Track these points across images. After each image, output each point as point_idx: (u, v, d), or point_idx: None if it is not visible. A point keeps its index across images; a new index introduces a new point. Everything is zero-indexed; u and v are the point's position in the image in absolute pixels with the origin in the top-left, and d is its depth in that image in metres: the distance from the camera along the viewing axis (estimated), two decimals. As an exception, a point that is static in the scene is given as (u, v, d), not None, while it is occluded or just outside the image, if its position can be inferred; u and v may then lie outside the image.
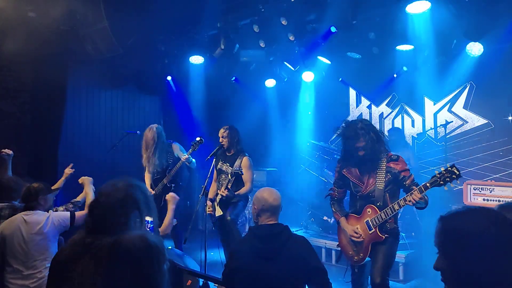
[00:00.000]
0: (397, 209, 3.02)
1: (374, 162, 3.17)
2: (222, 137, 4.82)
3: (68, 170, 4.37)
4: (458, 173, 2.81)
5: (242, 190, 4.66)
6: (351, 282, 3.39)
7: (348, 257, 3.34)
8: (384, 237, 3.09)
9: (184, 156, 4.99)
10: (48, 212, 3.32)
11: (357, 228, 3.21)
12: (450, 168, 2.84)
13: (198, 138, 4.94)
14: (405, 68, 6.35)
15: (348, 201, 3.46)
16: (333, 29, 5.22)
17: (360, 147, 3.11)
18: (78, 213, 3.45)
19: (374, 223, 3.10)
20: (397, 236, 3.22)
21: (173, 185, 5.21)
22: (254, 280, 2.41)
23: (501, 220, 1.24)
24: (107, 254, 1.72)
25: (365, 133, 3.11)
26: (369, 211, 3.15)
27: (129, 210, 1.93)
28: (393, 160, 3.17)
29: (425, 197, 2.97)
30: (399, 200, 3.02)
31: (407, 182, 3.10)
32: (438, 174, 2.88)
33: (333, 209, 3.44)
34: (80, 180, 3.81)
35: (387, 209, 3.04)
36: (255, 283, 2.40)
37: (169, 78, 7.42)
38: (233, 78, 7.47)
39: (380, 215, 3.07)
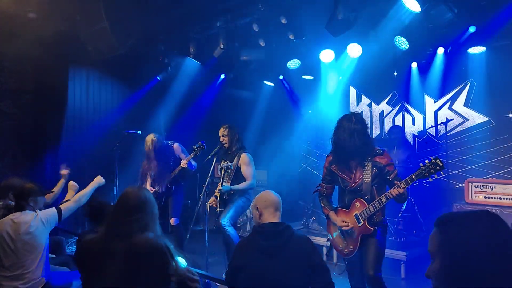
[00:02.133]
0: (384, 202, 3.12)
1: (362, 157, 3.24)
2: (223, 136, 4.83)
3: (64, 171, 4.37)
4: (441, 165, 2.93)
5: (242, 184, 4.66)
6: (347, 277, 3.46)
7: (339, 250, 3.43)
8: (373, 229, 3.19)
9: (184, 161, 5.00)
10: (35, 211, 3.32)
11: (346, 220, 3.30)
12: (434, 160, 2.95)
13: (199, 143, 4.94)
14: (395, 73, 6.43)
15: (337, 196, 3.55)
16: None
17: (353, 140, 3.16)
18: (64, 206, 3.49)
19: (363, 216, 3.19)
20: (385, 228, 3.34)
21: (173, 186, 5.21)
22: (257, 277, 2.43)
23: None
24: (122, 256, 1.88)
25: (361, 127, 3.18)
26: (357, 205, 3.25)
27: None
28: (378, 155, 3.25)
29: (406, 192, 3.11)
30: (386, 193, 3.11)
31: (391, 176, 3.19)
32: (422, 166, 2.98)
33: (321, 204, 3.54)
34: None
35: (375, 202, 3.14)
36: (258, 281, 2.42)
37: (158, 78, 7.42)
38: (223, 76, 7.53)
39: (369, 208, 3.16)
